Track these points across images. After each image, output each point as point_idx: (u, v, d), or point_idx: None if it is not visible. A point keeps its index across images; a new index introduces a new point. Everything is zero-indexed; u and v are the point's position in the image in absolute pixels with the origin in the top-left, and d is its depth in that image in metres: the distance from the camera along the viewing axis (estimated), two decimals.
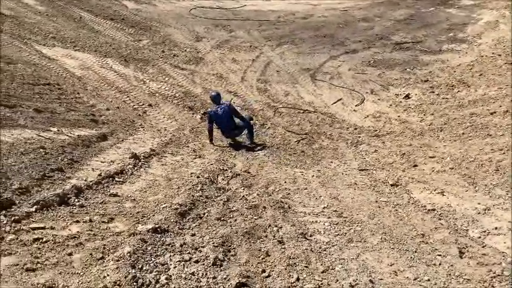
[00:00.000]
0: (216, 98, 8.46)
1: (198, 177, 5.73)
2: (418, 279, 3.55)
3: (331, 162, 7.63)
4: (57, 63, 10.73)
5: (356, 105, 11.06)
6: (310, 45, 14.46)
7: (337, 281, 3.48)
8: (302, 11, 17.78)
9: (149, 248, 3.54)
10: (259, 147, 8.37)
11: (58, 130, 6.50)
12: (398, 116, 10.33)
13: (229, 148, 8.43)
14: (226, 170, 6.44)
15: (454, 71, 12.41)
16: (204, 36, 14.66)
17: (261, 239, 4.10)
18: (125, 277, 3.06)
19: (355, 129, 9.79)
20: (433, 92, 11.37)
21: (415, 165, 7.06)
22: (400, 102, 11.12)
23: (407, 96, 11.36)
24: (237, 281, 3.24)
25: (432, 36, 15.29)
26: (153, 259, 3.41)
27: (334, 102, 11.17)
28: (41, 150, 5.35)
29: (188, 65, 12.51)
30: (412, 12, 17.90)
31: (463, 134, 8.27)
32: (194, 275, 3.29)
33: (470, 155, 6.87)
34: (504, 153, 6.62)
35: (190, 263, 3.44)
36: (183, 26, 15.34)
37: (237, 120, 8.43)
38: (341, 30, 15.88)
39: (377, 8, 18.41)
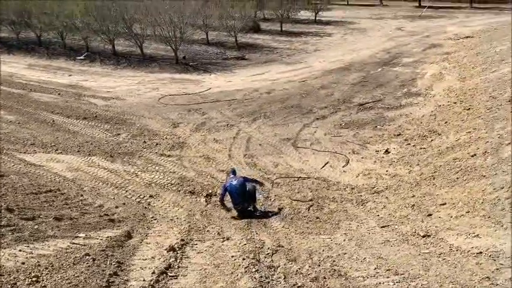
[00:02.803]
0: (232, 173, 9.42)
1: (244, 259, 5.77)
2: None
3: (350, 224, 7.90)
4: (44, 169, 10.53)
5: (343, 167, 11.58)
6: (282, 117, 15.20)
7: None
8: (264, 87, 18.79)
9: None
10: (271, 213, 8.95)
11: (86, 235, 6.37)
12: (387, 171, 10.92)
13: (239, 219, 8.65)
14: (261, 247, 6.51)
15: (421, 122, 13.48)
16: (179, 121, 15.03)
17: None
18: None
19: (353, 188, 10.22)
20: (409, 144, 12.22)
21: (430, 214, 7.49)
22: (383, 157, 11.80)
23: (386, 151, 12.11)
24: None
25: (389, 94, 16.63)
26: None
27: (323, 166, 11.66)
28: (88, 257, 5.25)
29: (173, 151, 12.68)
30: (363, 74, 19.48)
31: (457, 178, 8.90)
32: None
33: (477, 197, 7.41)
34: (507, 191, 7.21)
35: None
36: (156, 115, 15.68)
37: (248, 185, 9.05)
38: (305, 99, 16.88)
39: (330, 76, 19.85)
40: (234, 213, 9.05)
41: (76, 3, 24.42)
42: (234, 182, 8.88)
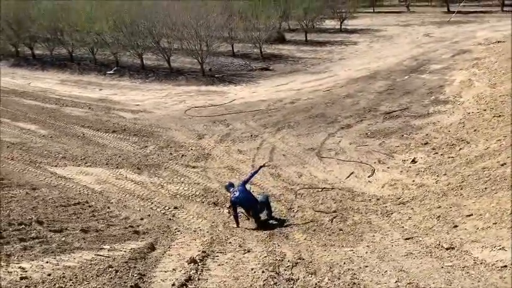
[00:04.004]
0: (230, 187, 9.44)
1: (263, 272, 5.79)
2: None
3: (373, 236, 7.79)
4: (74, 182, 10.89)
5: (369, 177, 11.45)
6: (307, 127, 15.17)
7: None
8: (288, 97, 18.83)
9: None
10: (285, 224, 9.03)
11: (111, 247, 6.54)
12: (413, 181, 10.72)
13: (261, 231, 8.66)
14: (281, 260, 6.51)
15: (449, 131, 13.18)
16: (205, 133, 15.24)
17: None
18: None
19: (378, 199, 10.08)
20: (437, 153, 11.96)
21: (456, 226, 7.31)
22: (409, 167, 11.59)
23: (413, 161, 11.89)
24: None
25: (416, 102, 16.35)
26: None
27: (348, 177, 11.56)
28: (111, 269, 5.39)
29: (198, 162, 12.85)
30: (389, 83, 19.24)
31: (485, 188, 8.66)
32: None
33: (505, 208, 7.19)
34: None
35: None
36: (182, 127, 15.95)
37: (258, 197, 9.34)
38: (330, 108, 16.81)
39: (356, 84, 19.70)
40: (253, 225, 9.16)
41: (106, 19, 25.20)
42: (237, 194, 9.01)
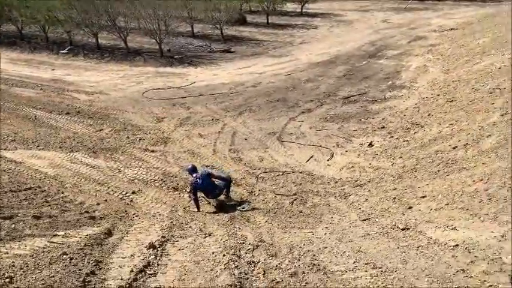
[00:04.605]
0: (193, 170, 9.22)
1: (224, 255, 5.76)
2: None
3: (332, 217, 7.93)
4: (25, 166, 10.40)
5: (328, 160, 11.61)
6: (268, 111, 15.17)
7: None
8: (250, 80, 18.72)
9: None
10: (244, 205, 9.06)
11: (65, 233, 6.31)
12: (370, 164, 10.97)
13: (222, 214, 8.64)
14: (242, 243, 6.51)
15: (404, 115, 13.55)
16: (164, 116, 14.92)
17: None
18: None
19: (336, 182, 10.26)
20: (392, 136, 12.28)
21: (410, 207, 7.55)
22: (366, 150, 11.85)
23: (370, 144, 12.15)
24: None
25: (374, 87, 16.68)
26: None
27: (307, 160, 11.67)
28: (65, 256, 5.20)
29: (157, 146, 12.58)
30: (348, 67, 19.51)
31: (438, 171, 8.98)
32: None
33: (456, 189, 7.50)
34: (486, 182, 7.30)
35: None
36: (140, 109, 15.54)
37: (216, 181, 9.21)
38: (291, 92, 16.86)
39: (316, 69, 19.85)
40: (213, 209, 9.12)
41: None
42: (200, 181, 8.92)
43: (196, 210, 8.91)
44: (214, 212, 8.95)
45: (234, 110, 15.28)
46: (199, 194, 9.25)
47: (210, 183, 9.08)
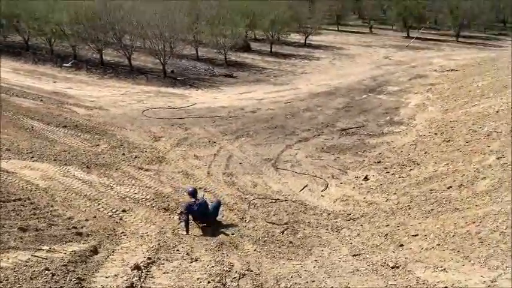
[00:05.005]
0: (193, 194, 9.29)
1: (209, 282, 5.65)
2: None
3: (322, 250, 7.83)
4: (17, 176, 10.30)
5: (322, 191, 11.56)
6: (265, 137, 15.20)
7: None
8: (250, 106, 18.83)
9: None
10: (229, 229, 9.07)
11: (50, 248, 6.19)
12: (364, 198, 10.92)
13: (211, 239, 8.49)
14: (229, 271, 6.40)
15: (401, 151, 13.59)
16: (161, 135, 14.92)
17: None
18: None
19: (329, 214, 10.18)
20: (388, 172, 12.28)
21: (401, 245, 7.47)
22: (361, 184, 11.82)
23: (366, 178, 12.13)
24: None
25: (372, 121, 16.79)
26: None
27: (301, 189, 11.61)
28: (47, 272, 5.09)
29: (151, 165, 12.52)
30: (348, 100, 19.68)
31: (431, 210, 8.94)
32: None
33: (448, 230, 7.44)
34: (478, 225, 7.26)
35: None
36: (138, 127, 15.55)
37: (211, 204, 9.40)
38: (289, 120, 16.95)
39: (316, 99, 20.02)
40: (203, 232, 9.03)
41: (66, 10, 24.31)
42: (196, 208, 8.97)
43: (185, 232, 8.79)
44: (202, 235, 8.81)
45: (232, 134, 15.30)
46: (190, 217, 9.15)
47: (204, 212, 9.11)
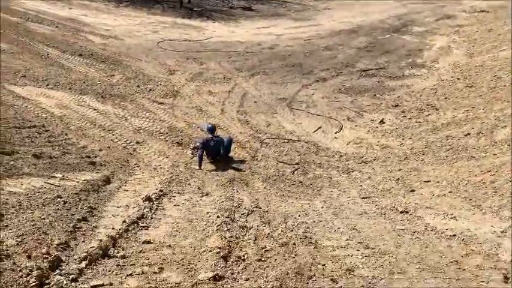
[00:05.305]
0: (212, 130, 9.38)
1: (218, 217, 5.74)
2: None
3: (331, 191, 7.86)
4: (33, 103, 10.35)
5: (336, 133, 11.44)
6: (281, 75, 14.87)
7: None
8: (267, 41, 18.27)
9: None
10: (241, 166, 9.18)
11: (63, 176, 6.31)
12: (378, 141, 10.79)
13: (222, 175, 8.59)
14: (238, 206, 6.48)
15: (420, 95, 13.20)
16: (176, 69, 14.69)
17: (313, 279, 4.19)
18: None
19: (341, 156, 10.13)
20: (405, 116, 12.02)
21: (413, 190, 7.44)
22: (377, 127, 11.63)
23: (382, 122, 11.92)
24: None
25: (393, 62, 16.21)
26: None
27: (315, 131, 11.51)
28: (59, 199, 5.19)
29: (166, 99, 12.45)
30: (370, 39, 18.91)
31: (446, 157, 8.80)
32: None
33: (462, 178, 7.34)
34: (493, 174, 7.13)
35: None
36: (153, 59, 15.30)
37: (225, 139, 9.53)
38: (308, 59, 16.46)
39: (337, 37, 19.27)
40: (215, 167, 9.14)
41: None
42: (213, 143, 9.09)
43: (197, 167, 8.87)
44: (214, 171, 8.89)
45: (247, 71, 14.99)
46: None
47: (218, 149, 9.19)
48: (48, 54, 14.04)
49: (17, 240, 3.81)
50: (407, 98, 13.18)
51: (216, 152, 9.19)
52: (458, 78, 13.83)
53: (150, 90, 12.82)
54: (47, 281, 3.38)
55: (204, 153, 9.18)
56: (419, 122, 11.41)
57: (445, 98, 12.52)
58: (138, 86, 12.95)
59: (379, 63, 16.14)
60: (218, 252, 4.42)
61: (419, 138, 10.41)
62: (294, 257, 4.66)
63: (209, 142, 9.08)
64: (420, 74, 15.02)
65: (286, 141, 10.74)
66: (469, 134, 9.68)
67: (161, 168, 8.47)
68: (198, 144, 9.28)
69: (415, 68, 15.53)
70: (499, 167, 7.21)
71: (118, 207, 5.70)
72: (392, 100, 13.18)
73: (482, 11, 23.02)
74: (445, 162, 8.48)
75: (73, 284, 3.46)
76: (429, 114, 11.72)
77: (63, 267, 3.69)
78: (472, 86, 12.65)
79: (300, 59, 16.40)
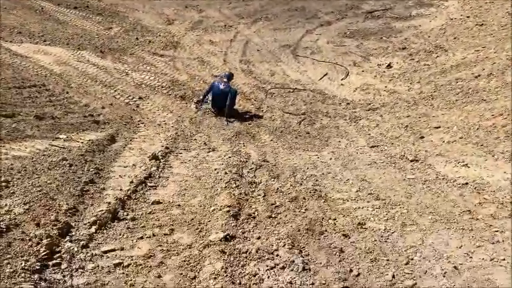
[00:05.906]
0: (229, 77, 9.35)
1: (226, 173, 5.68)
2: (495, 260, 3.75)
3: (339, 141, 7.75)
4: (31, 61, 10.08)
5: (342, 79, 11.18)
6: (285, 20, 14.36)
7: (426, 272, 3.62)
8: None
9: (232, 259, 3.53)
10: (246, 118, 9.07)
11: (67, 137, 6.21)
12: (386, 87, 10.54)
13: (228, 129, 8.49)
14: (246, 161, 6.41)
15: (429, 36, 12.75)
16: (175, 18, 14.21)
17: (324, 235, 4.17)
18: None
19: (348, 104, 9.94)
20: (413, 59, 11.67)
21: (422, 137, 7.30)
22: (384, 72, 11.33)
23: (389, 66, 11.60)
24: (342, 286, 3.32)
25: (400, 2, 15.56)
26: (242, 271, 3.41)
27: (321, 78, 11.24)
28: (65, 162, 5.12)
29: (166, 50, 12.13)
30: None
31: (456, 100, 8.58)
32: (292, 284, 3.32)
33: (473, 122, 7.18)
34: (505, 118, 6.95)
35: (278, 271, 3.47)
36: (151, 9, 14.78)
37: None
38: (311, 1, 15.81)
39: None
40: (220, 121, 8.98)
41: None
42: (223, 86, 8.89)
43: (195, 107, 9.08)
44: (219, 124, 8.75)
45: (249, 17, 14.47)
46: (207, 106, 9.11)
47: (224, 99, 8.89)
48: (42, 8, 13.56)
49: (24, 208, 3.76)
50: (415, 40, 12.75)
51: (221, 102, 8.94)
52: (468, 17, 13.27)
53: (150, 42, 12.47)
54: (57, 249, 3.36)
55: (210, 106, 9.00)
56: (428, 65, 11.08)
57: (454, 38, 12.09)
58: (137, 38, 12.58)
59: (386, 3, 15.51)
60: (228, 211, 4.38)
61: (428, 81, 10.14)
62: (304, 212, 4.63)
63: (219, 84, 8.94)
64: (428, 13, 14.43)
65: (291, 90, 10.52)
66: (479, 75, 9.39)
67: (166, 124, 8.35)
68: (201, 97, 9.18)
69: (423, 7, 14.91)
70: (511, 110, 7.01)
71: (125, 167, 5.63)
72: (400, 42, 12.76)
73: None
74: (454, 106, 8.28)
75: (84, 250, 3.44)
76: (438, 56, 11.36)
77: (73, 234, 3.67)
78: (482, 24, 12.15)
79: (303, 1, 15.75)
